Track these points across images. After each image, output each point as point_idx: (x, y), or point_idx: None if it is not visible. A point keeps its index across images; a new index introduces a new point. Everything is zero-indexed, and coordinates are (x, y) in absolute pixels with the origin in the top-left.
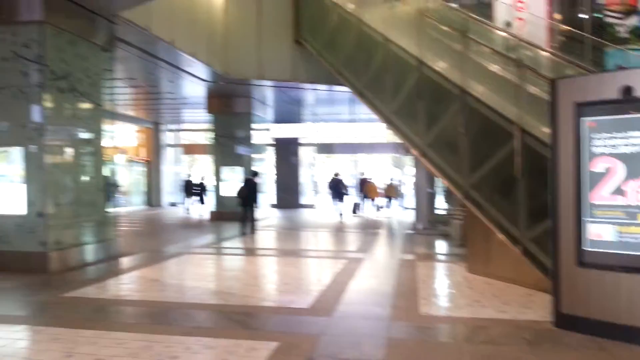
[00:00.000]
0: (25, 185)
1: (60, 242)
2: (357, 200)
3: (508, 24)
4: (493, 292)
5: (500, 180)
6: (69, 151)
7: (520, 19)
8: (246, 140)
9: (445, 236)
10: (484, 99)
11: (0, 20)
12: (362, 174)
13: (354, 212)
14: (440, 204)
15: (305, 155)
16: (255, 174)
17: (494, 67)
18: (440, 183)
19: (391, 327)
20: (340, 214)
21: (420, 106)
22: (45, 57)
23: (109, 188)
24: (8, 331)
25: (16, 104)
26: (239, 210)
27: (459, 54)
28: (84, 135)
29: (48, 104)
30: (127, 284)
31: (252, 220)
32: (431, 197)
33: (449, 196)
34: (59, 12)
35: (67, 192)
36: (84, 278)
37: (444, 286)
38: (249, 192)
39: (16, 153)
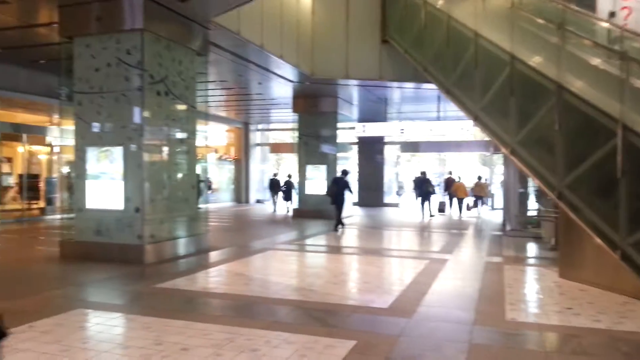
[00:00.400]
0: (124, 182)
1: (155, 236)
2: (443, 199)
3: (612, 14)
4: (587, 299)
5: (598, 180)
6: (165, 150)
7: (626, 7)
8: (331, 139)
9: (536, 238)
10: (582, 94)
11: (106, 29)
12: (450, 172)
13: (440, 211)
14: (532, 205)
15: (390, 153)
16: (345, 172)
17: (595, 61)
18: (531, 182)
19: (474, 332)
20: (427, 213)
21: (512, 103)
22: (144, 62)
23: (200, 185)
24: (106, 318)
25: (118, 107)
26: (330, 208)
27: (556, 47)
28: (179, 135)
29: (146, 107)
30: (214, 277)
31: (339, 216)
32: (522, 197)
33: (540, 196)
34: (158, 19)
35: (162, 188)
36: (175, 270)
37: (533, 291)
38: (339, 190)
39: (117, 152)
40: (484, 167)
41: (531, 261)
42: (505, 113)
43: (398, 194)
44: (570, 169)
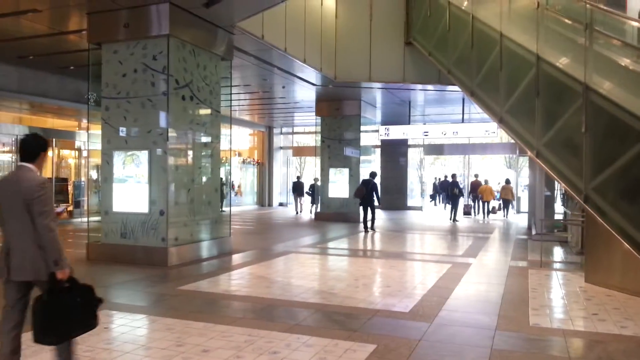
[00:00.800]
0: (149, 186)
1: (178, 239)
2: (469, 202)
3: None
4: (614, 305)
5: (626, 183)
6: (189, 154)
7: None
8: (354, 142)
9: (562, 242)
10: (610, 95)
11: (133, 36)
12: (476, 175)
13: (466, 214)
14: (558, 208)
15: (414, 156)
16: (373, 174)
17: (624, 61)
18: (557, 186)
19: (496, 337)
20: (452, 217)
21: (537, 104)
22: (169, 67)
23: (223, 188)
24: (130, 319)
25: (144, 112)
26: (353, 211)
27: (583, 48)
28: (203, 139)
29: (171, 111)
30: (236, 280)
31: (373, 217)
32: (548, 200)
33: (567, 200)
34: (183, 25)
35: (187, 192)
36: (198, 272)
37: (558, 296)
38: (368, 192)
39: (143, 156)
40: (509, 169)
41: (557, 266)
42: (530, 115)
43: (432, 197)
44: (597, 172)
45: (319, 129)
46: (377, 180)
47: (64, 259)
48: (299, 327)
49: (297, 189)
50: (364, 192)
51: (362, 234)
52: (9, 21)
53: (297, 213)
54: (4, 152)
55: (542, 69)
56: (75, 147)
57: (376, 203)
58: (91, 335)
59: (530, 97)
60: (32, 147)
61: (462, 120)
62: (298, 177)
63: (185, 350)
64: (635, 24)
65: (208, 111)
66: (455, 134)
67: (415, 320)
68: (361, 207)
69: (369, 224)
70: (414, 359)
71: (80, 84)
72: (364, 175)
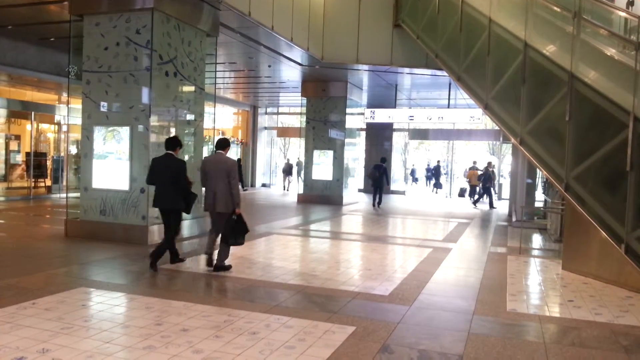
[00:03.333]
0: (129, 163)
1: (159, 217)
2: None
3: (630, 3)
4: (589, 292)
5: (607, 173)
6: (172, 131)
7: None
8: (339, 125)
9: (541, 230)
10: (595, 84)
11: (116, 8)
12: (474, 162)
13: (461, 196)
14: (538, 196)
15: (398, 140)
16: (384, 159)
17: (610, 51)
18: (539, 173)
19: (474, 322)
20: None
21: (523, 92)
22: (153, 42)
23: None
24: (108, 297)
25: (126, 87)
26: (336, 194)
27: (570, 36)
28: (186, 116)
29: (154, 87)
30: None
31: (380, 197)
32: (529, 187)
33: (548, 188)
34: None
35: None
36: (179, 252)
37: (535, 283)
38: (380, 175)
39: (124, 132)
40: (492, 156)
41: (535, 252)
42: (515, 102)
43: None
44: (579, 161)
45: (304, 109)
46: (384, 164)
47: (240, 201)
48: (279, 308)
49: (287, 170)
50: (376, 175)
51: (344, 216)
52: None
53: (284, 190)
54: None
55: (529, 56)
56: (55, 121)
57: (387, 184)
58: (68, 313)
59: (517, 84)
60: (223, 143)
61: (448, 106)
62: (288, 159)
63: (164, 329)
64: (622, 14)
65: (192, 88)
66: (441, 119)
67: (395, 304)
68: (373, 187)
69: (376, 202)
70: (392, 341)
71: (60, 56)
72: (349, 157)
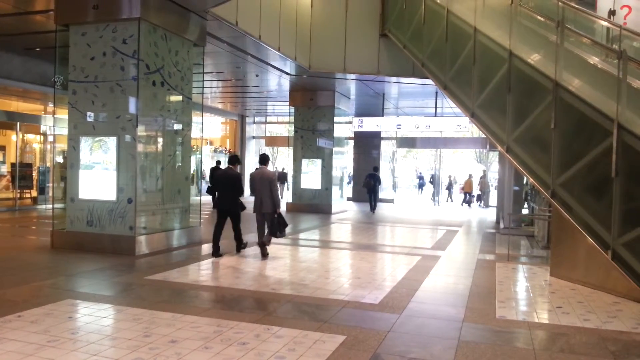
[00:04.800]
0: (116, 173)
1: (147, 227)
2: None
3: (612, 13)
4: (577, 299)
5: (592, 179)
6: (159, 141)
7: (626, 6)
8: (327, 133)
9: (529, 237)
10: (579, 92)
11: (103, 18)
12: (470, 176)
13: (468, 204)
14: (526, 203)
15: (386, 149)
16: (376, 169)
17: (593, 60)
18: (526, 181)
19: (463, 329)
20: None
21: (508, 100)
22: (140, 52)
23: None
24: (95, 309)
25: (113, 97)
26: (324, 203)
27: (554, 45)
28: (174, 126)
29: (141, 97)
30: (205, 270)
31: (376, 202)
32: (516, 195)
33: (534, 195)
34: (154, 8)
35: (156, 180)
36: (166, 262)
37: (523, 289)
38: (374, 183)
39: (111, 142)
40: (479, 164)
41: (523, 259)
42: (501, 110)
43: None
44: (565, 168)
45: (292, 119)
46: (380, 173)
47: (280, 204)
48: (269, 318)
49: (280, 178)
50: (371, 184)
51: (333, 225)
52: None
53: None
54: None
55: (514, 65)
56: (41, 131)
57: (379, 191)
58: (54, 326)
59: (502, 92)
60: (265, 159)
61: (435, 114)
62: (283, 168)
63: (153, 340)
64: (604, 23)
65: (179, 98)
66: (428, 128)
67: (385, 312)
68: (368, 195)
69: (373, 207)
70: (382, 350)
71: (46, 66)
72: (337, 166)
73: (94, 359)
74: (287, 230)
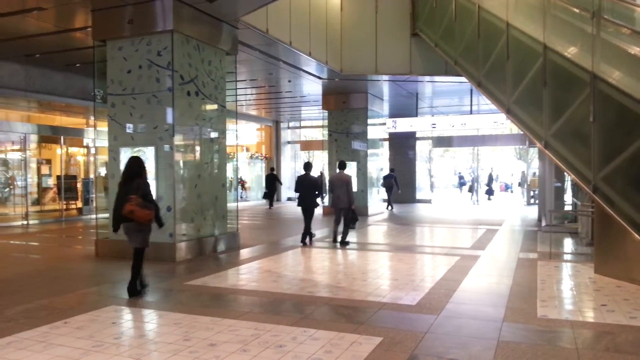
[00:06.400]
0: (156, 182)
1: (186, 234)
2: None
3: None
4: (623, 296)
5: (635, 172)
6: (196, 149)
7: None
8: (361, 136)
9: (572, 234)
10: (618, 84)
11: (137, 32)
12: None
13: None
14: (568, 199)
15: (422, 149)
16: (392, 170)
17: (634, 50)
18: (568, 177)
19: (503, 329)
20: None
21: (544, 95)
22: (174, 63)
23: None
24: (138, 314)
25: (149, 108)
26: (360, 205)
27: (591, 36)
28: (209, 134)
29: (177, 107)
30: (244, 274)
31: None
32: (558, 191)
33: (577, 191)
34: (187, 20)
35: (194, 187)
36: (205, 267)
37: (566, 288)
38: (391, 182)
39: (149, 152)
40: (519, 161)
41: (566, 257)
42: (538, 105)
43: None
44: (606, 162)
45: (326, 122)
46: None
47: (354, 201)
48: (306, 321)
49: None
50: (392, 183)
51: (371, 227)
52: (15, 20)
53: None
54: (14, 150)
55: (549, 59)
56: (84, 144)
57: (397, 191)
58: (99, 331)
59: (538, 87)
60: (344, 165)
61: (471, 112)
62: (321, 172)
63: (192, 344)
64: None
65: (214, 106)
66: (464, 126)
67: (422, 313)
68: (387, 194)
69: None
70: (419, 351)
71: (86, 81)
72: (372, 168)
73: None
74: (322, 233)
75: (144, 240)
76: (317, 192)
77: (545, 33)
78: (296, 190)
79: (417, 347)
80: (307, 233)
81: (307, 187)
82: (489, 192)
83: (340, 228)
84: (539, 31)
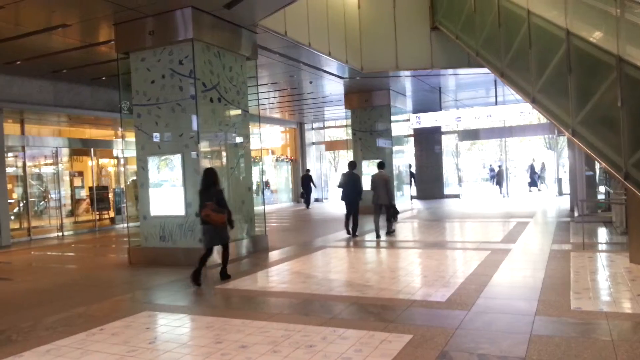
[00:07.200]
0: (183, 189)
1: None
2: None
3: None
4: None
5: None
6: (221, 155)
7: None
8: (386, 133)
9: (606, 223)
10: None
11: (159, 42)
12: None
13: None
14: (601, 188)
15: (448, 143)
16: (409, 165)
17: None
18: (599, 164)
19: (536, 323)
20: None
21: (569, 81)
22: (195, 71)
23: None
24: (171, 319)
25: (174, 116)
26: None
27: (615, 18)
28: (234, 139)
29: (201, 114)
30: (273, 276)
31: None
32: (589, 180)
33: (609, 178)
34: (206, 28)
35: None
36: (235, 271)
37: (601, 278)
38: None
39: (176, 160)
40: (549, 150)
41: (600, 247)
42: (563, 93)
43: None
44: (637, 147)
45: (349, 122)
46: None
47: (394, 198)
48: (335, 320)
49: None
50: (409, 178)
51: (399, 224)
52: (42, 37)
53: None
54: (47, 164)
55: (572, 44)
56: (113, 155)
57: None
58: (134, 337)
59: (562, 74)
60: (382, 165)
61: (496, 103)
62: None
63: (224, 347)
64: None
65: (237, 111)
66: (490, 118)
67: (452, 309)
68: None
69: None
70: (450, 347)
71: (112, 93)
72: (399, 165)
73: None
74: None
75: (222, 238)
76: (358, 190)
77: (567, 18)
78: (340, 186)
79: (447, 344)
80: (355, 225)
81: (351, 184)
82: (532, 183)
83: (382, 223)
84: (561, 17)
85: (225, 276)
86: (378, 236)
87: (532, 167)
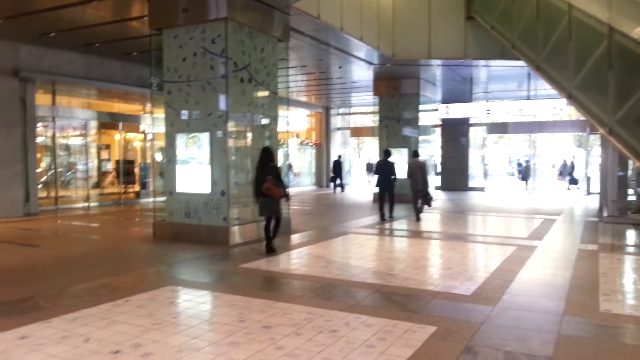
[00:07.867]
0: (210, 167)
1: (239, 218)
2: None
3: None
4: None
5: None
6: (248, 136)
7: None
8: (413, 122)
9: (635, 225)
10: None
11: (192, 20)
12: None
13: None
14: (633, 189)
15: (475, 135)
16: (431, 157)
17: None
18: (632, 165)
19: (563, 323)
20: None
21: (610, 78)
22: (227, 50)
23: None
24: (194, 295)
25: (204, 95)
26: (409, 192)
27: None
28: (261, 120)
29: (230, 94)
30: (295, 259)
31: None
32: (621, 180)
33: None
34: (240, 8)
35: (246, 173)
36: (259, 251)
37: (630, 281)
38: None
39: (204, 138)
40: (579, 148)
41: (630, 249)
42: (602, 90)
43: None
44: None
45: (376, 108)
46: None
47: (428, 184)
48: (358, 307)
49: (369, 169)
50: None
51: (423, 214)
52: (76, 10)
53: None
54: (75, 135)
55: (614, 40)
56: (141, 130)
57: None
58: (158, 310)
59: (602, 70)
60: (416, 154)
61: (528, 97)
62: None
63: (247, 325)
64: None
65: (266, 93)
66: (520, 112)
67: (477, 303)
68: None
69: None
70: (475, 342)
71: (143, 69)
72: (424, 155)
73: (194, 341)
74: (373, 220)
75: (276, 211)
76: (393, 176)
77: (610, 13)
78: (376, 173)
79: (473, 338)
80: (391, 208)
81: (386, 170)
82: (573, 181)
83: (403, 212)
84: (603, 12)
85: (270, 250)
86: (418, 219)
87: (572, 165)
